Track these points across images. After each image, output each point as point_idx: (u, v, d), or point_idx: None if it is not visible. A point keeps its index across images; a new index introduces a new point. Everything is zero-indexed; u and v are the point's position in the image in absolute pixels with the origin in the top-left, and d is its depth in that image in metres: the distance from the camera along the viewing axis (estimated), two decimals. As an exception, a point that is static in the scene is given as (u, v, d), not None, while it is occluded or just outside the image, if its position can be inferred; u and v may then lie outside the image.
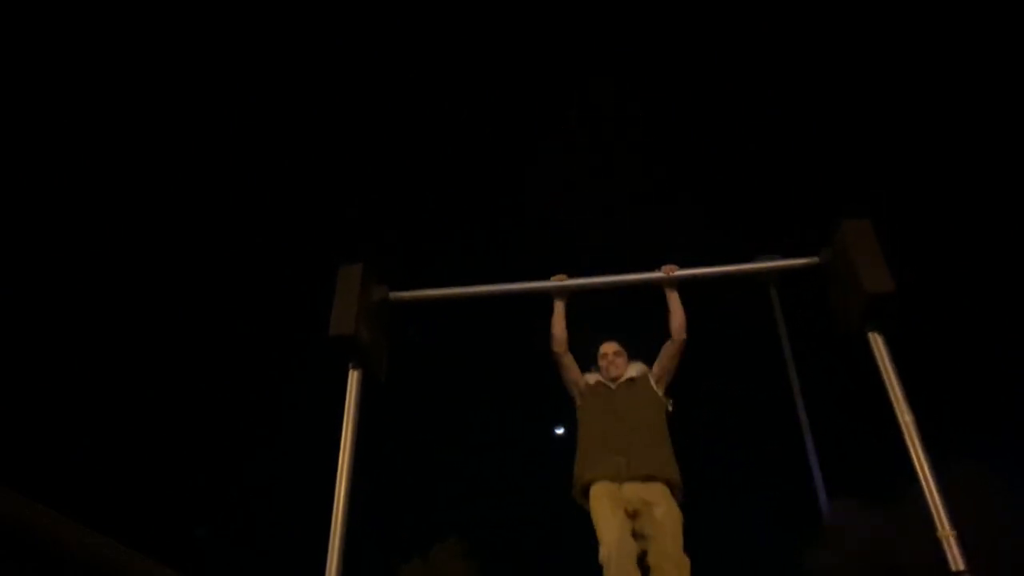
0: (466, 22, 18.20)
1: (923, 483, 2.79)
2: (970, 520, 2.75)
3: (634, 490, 3.35)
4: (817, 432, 11.77)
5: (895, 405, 2.93)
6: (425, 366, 15.71)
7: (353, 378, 3.29)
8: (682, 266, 3.64)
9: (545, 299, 3.71)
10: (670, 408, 3.69)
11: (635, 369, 3.75)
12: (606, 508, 3.29)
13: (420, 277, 3.64)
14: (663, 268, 3.63)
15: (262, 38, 17.72)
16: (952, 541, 2.69)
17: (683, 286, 3.65)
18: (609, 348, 3.81)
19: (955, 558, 2.69)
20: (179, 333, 17.89)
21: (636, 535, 3.26)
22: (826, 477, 11.43)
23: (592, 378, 3.78)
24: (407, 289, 3.56)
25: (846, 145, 17.68)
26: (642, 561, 3.21)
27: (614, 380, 3.71)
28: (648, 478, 3.38)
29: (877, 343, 3.04)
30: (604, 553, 3.17)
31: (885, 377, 2.98)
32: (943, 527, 2.71)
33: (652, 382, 3.70)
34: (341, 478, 3.06)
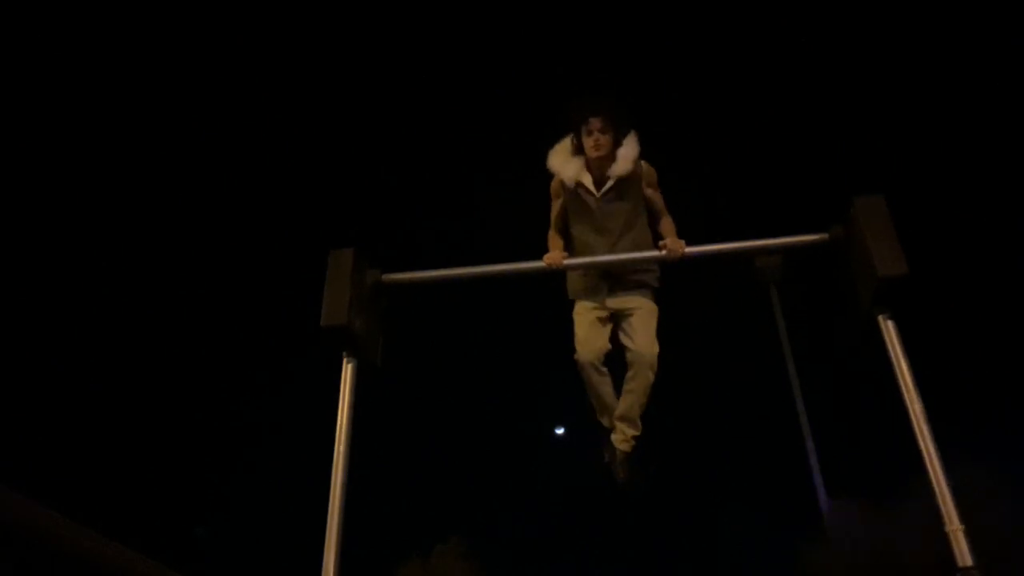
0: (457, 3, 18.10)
1: (931, 476, 2.73)
2: (973, 520, 2.70)
3: (614, 302, 3.65)
4: (817, 432, 11.77)
5: (905, 395, 2.84)
6: (425, 364, 15.68)
7: (347, 369, 3.22)
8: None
9: (546, 290, 3.65)
10: None
11: (625, 162, 3.52)
12: (583, 319, 3.65)
13: (416, 265, 3.56)
14: (660, 244, 3.49)
15: (249, 23, 17.65)
16: (960, 536, 2.64)
17: (684, 268, 3.52)
18: (596, 123, 3.49)
19: (962, 554, 2.64)
20: (175, 330, 17.85)
21: (616, 330, 3.66)
22: (826, 477, 11.43)
23: (572, 172, 3.57)
24: (402, 271, 3.47)
25: (856, 122, 17.44)
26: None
27: (600, 179, 3.54)
28: (629, 291, 3.64)
29: (888, 329, 2.95)
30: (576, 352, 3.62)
31: (895, 365, 2.89)
32: (951, 522, 2.66)
33: (643, 184, 3.63)
34: (336, 474, 3.00)
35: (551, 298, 3.89)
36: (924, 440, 2.77)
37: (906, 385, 2.88)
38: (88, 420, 16.14)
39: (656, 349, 3.55)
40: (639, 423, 3.68)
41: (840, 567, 10.67)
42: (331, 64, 18.22)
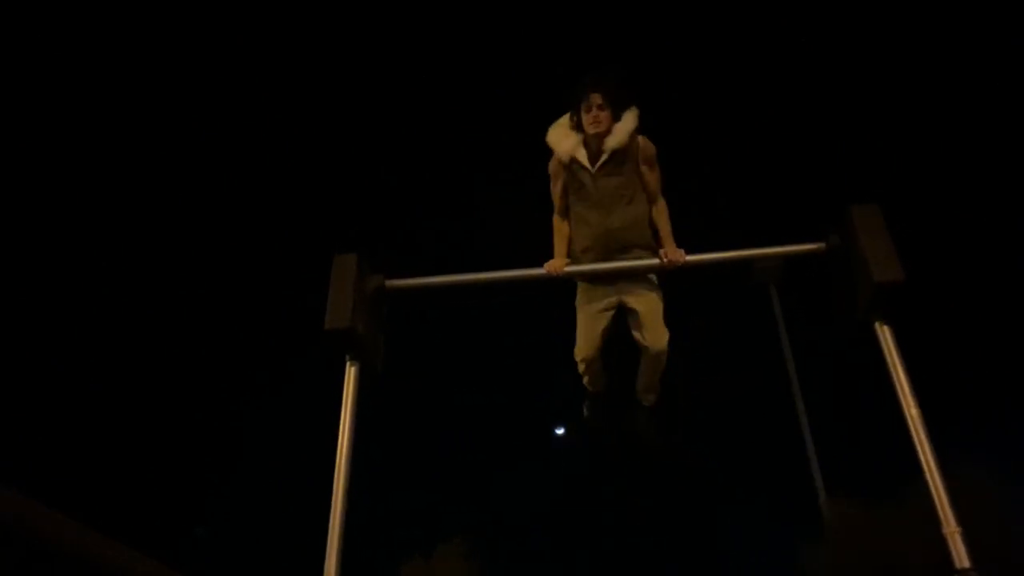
0: (459, 7, 18.13)
1: (928, 479, 2.76)
2: (974, 520, 2.72)
3: (620, 294, 3.64)
4: (817, 432, 11.79)
5: (901, 399, 2.88)
6: (425, 364, 15.70)
7: (351, 372, 3.24)
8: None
9: (544, 293, 3.67)
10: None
11: (620, 135, 3.52)
12: (585, 315, 3.70)
13: (418, 270, 3.59)
14: (660, 252, 3.51)
15: (253, 29, 17.67)
16: (957, 538, 2.66)
17: (683, 274, 3.54)
18: (596, 98, 3.49)
19: (960, 555, 2.66)
20: (175, 330, 17.87)
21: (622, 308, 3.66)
22: (825, 477, 11.45)
23: (568, 146, 3.57)
24: (404, 277, 3.50)
25: (852, 132, 17.53)
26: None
27: (595, 153, 3.53)
28: (634, 283, 3.63)
29: (884, 334, 2.98)
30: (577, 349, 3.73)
31: (892, 370, 2.93)
32: (948, 524, 2.68)
33: (640, 162, 3.59)
34: (339, 475, 3.02)
35: (552, 298, 3.91)
36: (921, 444, 2.81)
37: (903, 390, 2.91)
38: (88, 420, 16.17)
39: (665, 339, 3.58)
40: (657, 387, 3.84)
41: (840, 567, 10.68)
42: (337, 69, 18.26)
